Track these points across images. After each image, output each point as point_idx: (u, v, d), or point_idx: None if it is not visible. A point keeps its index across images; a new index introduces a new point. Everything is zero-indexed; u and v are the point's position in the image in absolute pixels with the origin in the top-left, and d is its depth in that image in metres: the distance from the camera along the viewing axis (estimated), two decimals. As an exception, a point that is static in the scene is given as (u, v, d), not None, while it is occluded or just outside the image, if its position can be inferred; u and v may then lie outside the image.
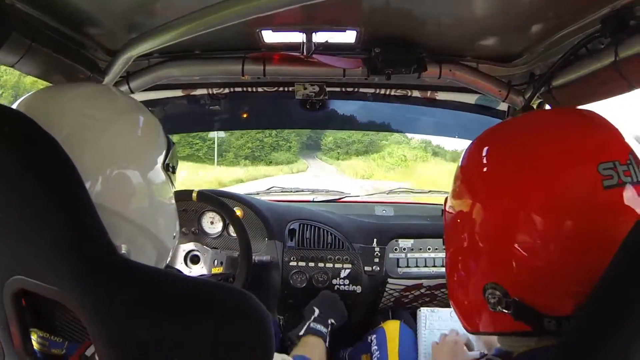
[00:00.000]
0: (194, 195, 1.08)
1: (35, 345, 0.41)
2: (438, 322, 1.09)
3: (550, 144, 0.45)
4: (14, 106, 0.46)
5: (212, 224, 1.26)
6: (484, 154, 0.51)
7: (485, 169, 0.50)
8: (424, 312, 1.10)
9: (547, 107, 0.94)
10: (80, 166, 0.41)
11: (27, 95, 0.49)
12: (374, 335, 1.14)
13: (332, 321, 1.07)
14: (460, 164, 0.54)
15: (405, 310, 1.38)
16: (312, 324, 1.02)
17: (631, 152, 0.44)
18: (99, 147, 0.45)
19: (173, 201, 0.57)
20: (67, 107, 0.46)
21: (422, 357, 1.06)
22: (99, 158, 0.45)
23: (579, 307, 0.40)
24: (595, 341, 0.36)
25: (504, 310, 0.45)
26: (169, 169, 0.55)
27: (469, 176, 0.53)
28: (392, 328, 1.13)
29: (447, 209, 0.56)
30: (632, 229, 0.36)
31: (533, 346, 0.46)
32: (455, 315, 1.10)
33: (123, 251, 0.46)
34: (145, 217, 0.50)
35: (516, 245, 0.44)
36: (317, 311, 1.07)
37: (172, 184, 0.56)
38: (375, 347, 1.10)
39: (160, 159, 0.53)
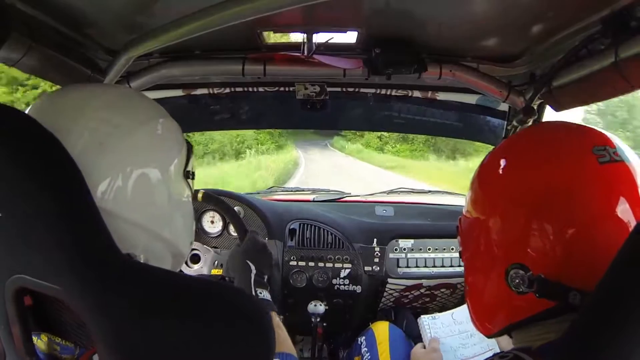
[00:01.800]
0: (200, 195, 1.09)
1: (45, 349, 0.41)
2: (442, 329, 1.09)
3: (551, 143, 0.52)
4: (33, 107, 0.46)
5: (213, 223, 1.26)
6: (501, 165, 0.55)
7: (500, 181, 0.55)
8: (426, 321, 1.10)
9: (548, 107, 0.94)
10: (98, 174, 0.41)
11: (48, 96, 0.48)
12: (364, 337, 1.14)
13: (267, 276, 0.93)
14: (477, 172, 0.58)
15: (406, 310, 1.38)
16: (258, 292, 0.85)
17: (615, 141, 0.51)
18: (118, 155, 0.44)
19: (191, 208, 0.55)
20: (88, 113, 0.45)
21: None
22: (118, 166, 0.44)
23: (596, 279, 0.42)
24: (601, 336, 0.36)
25: (528, 290, 0.46)
26: (189, 175, 0.53)
27: (485, 185, 0.57)
28: (381, 329, 1.14)
29: (464, 213, 0.59)
30: (632, 231, 0.37)
31: (552, 338, 0.46)
32: (458, 317, 1.10)
33: (141, 260, 0.45)
34: (164, 226, 0.49)
35: (532, 227, 0.48)
36: (253, 269, 0.89)
37: (191, 190, 0.55)
38: (366, 349, 1.10)
39: (181, 166, 0.52)
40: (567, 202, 0.47)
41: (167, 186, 0.49)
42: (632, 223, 0.45)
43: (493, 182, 0.56)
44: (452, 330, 1.08)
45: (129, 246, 0.40)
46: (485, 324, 0.57)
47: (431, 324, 1.09)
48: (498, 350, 1.00)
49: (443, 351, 1.01)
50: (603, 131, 0.53)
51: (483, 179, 0.58)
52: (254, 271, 0.88)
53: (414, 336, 1.16)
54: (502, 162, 0.55)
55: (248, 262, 0.89)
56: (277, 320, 0.81)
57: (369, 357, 1.08)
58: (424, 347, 1.05)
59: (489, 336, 0.57)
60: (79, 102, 0.46)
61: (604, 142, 0.50)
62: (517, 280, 0.47)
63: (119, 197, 0.43)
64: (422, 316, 1.10)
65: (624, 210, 0.46)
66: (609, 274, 0.39)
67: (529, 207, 0.49)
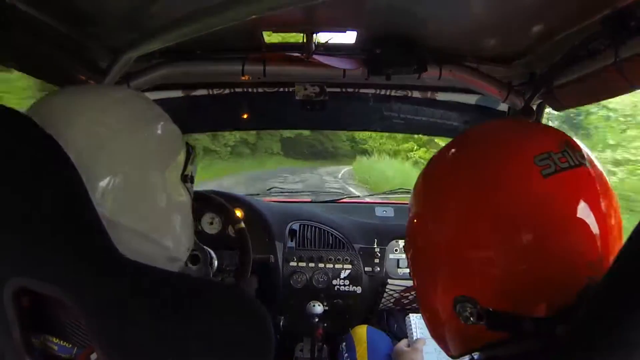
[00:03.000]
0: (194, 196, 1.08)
1: (43, 349, 0.41)
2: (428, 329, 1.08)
3: (488, 154, 0.46)
4: (31, 108, 0.45)
5: (212, 224, 1.26)
6: (435, 167, 0.52)
7: (434, 182, 0.51)
8: (413, 319, 1.10)
9: (548, 107, 0.94)
10: (95, 176, 0.41)
11: (45, 97, 0.47)
12: (344, 343, 1.15)
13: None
14: (418, 178, 0.54)
15: (405, 311, 1.38)
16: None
17: (567, 140, 0.45)
18: (115, 157, 0.43)
19: (189, 212, 0.54)
20: (84, 114, 0.44)
21: None
22: (114, 168, 0.43)
23: (554, 307, 0.40)
24: (599, 344, 0.35)
25: (478, 322, 0.43)
26: (187, 179, 0.53)
27: (423, 192, 0.53)
28: (359, 333, 1.14)
29: (407, 222, 0.54)
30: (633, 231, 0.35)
31: (518, 351, 0.44)
32: None
33: None
34: (161, 231, 0.48)
35: (473, 257, 0.43)
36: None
37: (190, 194, 0.54)
38: (346, 354, 1.11)
39: (179, 170, 0.51)
40: (512, 226, 0.41)
41: (163, 189, 0.48)
42: (594, 235, 0.41)
43: (431, 200, 0.50)
44: None
45: (122, 249, 0.39)
46: (447, 347, 0.52)
47: (418, 323, 1.08)
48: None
49: (427, 352, 1.00)
50: (549, 130, 0.47)
51: (424, 190, 0.52)
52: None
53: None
54: (437, 164, 0.51)
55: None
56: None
57: None
58: (408, 346, 1.05)
59: (452, 357, 0.53)
60: (77, 104, 0.45)
61: (547, 148, 0.43)
62: (466, 314, 0.44)
63: (114, 200, 0.43)
64: (410, 314, 1.10)
65: (578, 224, 0.41)
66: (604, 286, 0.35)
67: (471, 230, 0.44)
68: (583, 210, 0.41)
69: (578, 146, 0.45)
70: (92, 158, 0.42)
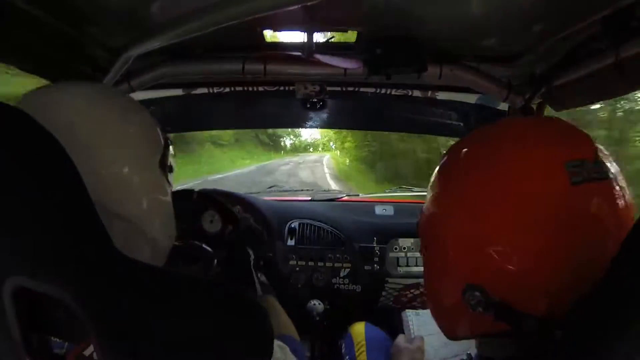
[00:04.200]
0: (195, 195, 1.09)
1: (37, 346, 0.41)
2: (424, 326, 1.08)
3: (517, 150, 0.46)
4: (18, 105, 0.46)
5: (212, 222, 1.26)
6: (457, 161, 0.51)
7: (457, 177, 0.50)
8: (410, 316, 1.09)
9: (548, 107, 0.95)
10: (81, 168, 0.41)
11: (25, 94, 0.49)
12: (343, 340, 1.15)
13: (263, 261, 1.06)
14: (437, 169, 0.54)
15: (405, 309, 1.39)
16: (258, 275, 0.97)
17: (598, 150, 0.45)
18: (94, 146, 0.46)
19: (170, 200, 0.57)
20: (64, 106, 0.46)
21: None
22: (94, 157, 0.45)
23: (556, 310, 0.41)
24: (598, 345, 0.35)
25: (486, 312, 0.44)
26: (166, 168, 0.55)
27: (443, 182, 0.53)
28: (357, 330, 1.14)
29: (423, 210, 0.55)
30: (631, 231, 0.36)
31: (514, 353, 0.45)
32: None
33: None
34: (141, 217, 0.50)
35: (490, 251, 0.44)
36: (252, 255, 1.04)
37: (169, 183, 0.56)
38: (345, 351, 1.11)
39: (157, 158, 0.53)
40: (532, 226, 0.42)
41: (143, 177, 0.50)
42: (610, 248, 0.40)
43: (452, 190, 0.50)
44: (436, 329, 1.07)
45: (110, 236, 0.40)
46: (446, 328, 0.55)
47: (414, 319, 1.08)
48: (475, 350, 1.00)
49: (426, 349, 1.01)
50: (584, 137, 0.46)
51: (444, 180, 0.52)
52: (252, 256, 0.97)
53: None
54: (458, 159, 0.51)
55: (247, 248, 0.99)
56: (277, 305, 0.83)
57: (348, 358, 1.09)
58: (407, 342, 1.05)
59: (452, 339, 0.55)
60: (56, 97, 0.48)
61: (581, 155, 0.42)
62: (474, 302, 0.45)
63: (100, 189, 0.44)
64: (406, 310, 1.10)
65: (598, 235, 0.41)
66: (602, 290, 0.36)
67: (490, 223, 0.44)
68: (605, 223, 0.42)
69: (608, 157, 0.45)
70: (77, 150, 0.42)
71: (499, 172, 0.45)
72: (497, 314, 0.44)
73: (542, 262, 0.42)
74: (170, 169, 0.56)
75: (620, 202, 0.43)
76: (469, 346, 1.00)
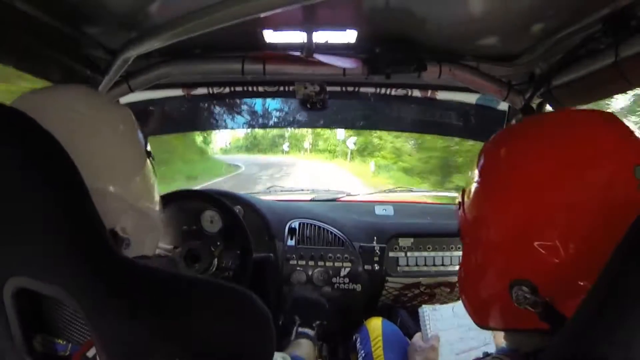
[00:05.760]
0: (195, 195, 1.09)
1: (40, 348, 0.41)
2: (441, 321, 1.08)
3: (581, 144, 0.44)
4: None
5: (212, 222, 1.26)
6: (504, 153, 0.50)
7: (507, 168, 0.49)
8: (427, 311, 1.10)
9: (548, 107, 0.95)
10: (78, 161, 0.42)
11: (17, 97, 0.50)
12: (358, 334, 1.14)
13: (317, 322, 1.05)
14: (479, 161, 0.53)
15: (405, 308, 1.39)
16: (299, 329, 1.01)
17: None
18: (93, 141, 0.49)
19: (155, 185, 0.61)
20: (57, 105, 0.49)
21: None
22: (93, 150, 0.48)
23: None
24: (598, 330, 0.35)
25: (531, 309, 0.43)
26: (150, 155, 0.59)
27: (489, 174, 0.51)
28: (374, 325, 1.14)
29: (465, 204, 0.54)
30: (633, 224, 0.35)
31: (538, 345, 0.45)
32: (458, 311, 1.09)
33: (121, 234, 0.49)
34: (138, 198, 0.54)
35: (540, 244, 0.43)
36: (297, 320, 1.05)
37: (154, 168, 0.61)
38: (360, 345, 1.11)
39: (143, 146, 0.57)
40: (590, 225, 0.40)
41: (138, 163, 0.55)
42: None
43: (506, 180, 0.48)
44: (452, 324, 1.07)
45: (110, 220, 0.43)
46: (479, 317, 0.54)
47: (431, 315, 1.08)
48: (492, 345, 0.99)
49: (440, 345, 1.00)
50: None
51: (486, 168, 0.51)
52: (297, 321, 1.02)
53: (410, 334, 1.16)
54: (505, 150, 0.49)
55: (295, 316, 1.04)
56: (311, 345, 0.94)
57: (363, 353, 1.08)
58: (422, 340, 1.05)
59: (482, 327, 0.55)
60: (48, 97, 0.51)
61: None
62: (521, 298, 0.44)
63: (101, 173, 0.48)
64: (423, 306, 1.10)
65: None
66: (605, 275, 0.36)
67: (550, 219, 0.43)
68: None
69: None
70: (72, 145, 0.41)
71: (565, 161, 0.43)
72: (542, 313, 0.43)
73: (594, 266, 0.40)
74: (151, 155, 0.60)
75: None
76: (484, 340, 1.01)
